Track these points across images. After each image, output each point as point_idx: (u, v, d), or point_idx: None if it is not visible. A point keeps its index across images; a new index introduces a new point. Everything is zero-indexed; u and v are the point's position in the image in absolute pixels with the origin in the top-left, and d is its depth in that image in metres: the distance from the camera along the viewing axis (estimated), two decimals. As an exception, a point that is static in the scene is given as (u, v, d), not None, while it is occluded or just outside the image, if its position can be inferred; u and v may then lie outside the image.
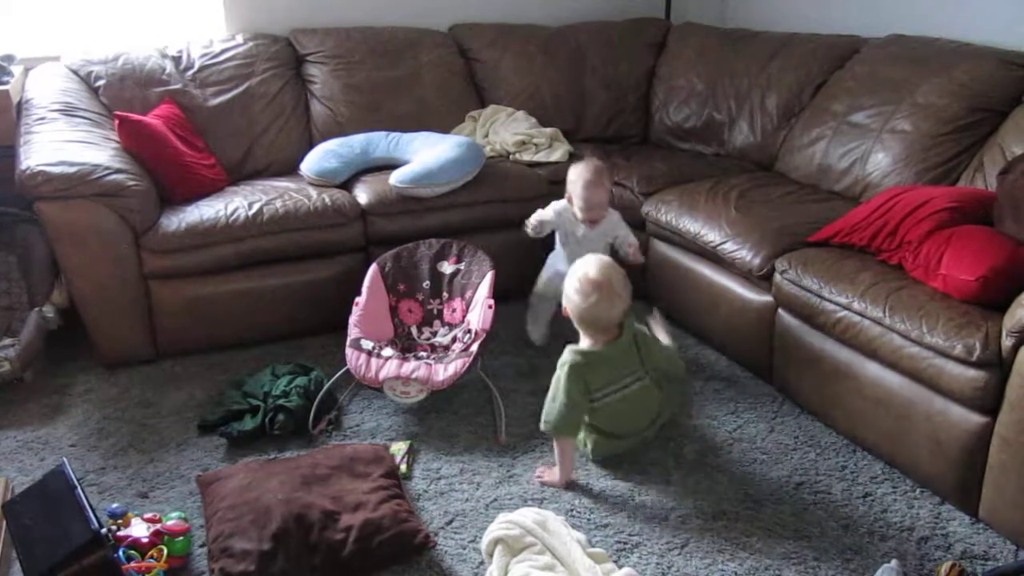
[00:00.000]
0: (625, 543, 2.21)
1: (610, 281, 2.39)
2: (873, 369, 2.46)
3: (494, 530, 2.11)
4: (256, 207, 3.11)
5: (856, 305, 2.48)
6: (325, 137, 3.67)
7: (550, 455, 2.57)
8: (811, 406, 2.76)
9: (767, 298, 2.84)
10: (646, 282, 3.45)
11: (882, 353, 2.40)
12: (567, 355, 2.42)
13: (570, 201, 2.98)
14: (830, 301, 2.56)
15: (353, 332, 2.79)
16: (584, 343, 2.47)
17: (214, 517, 2.19)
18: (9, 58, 3.45)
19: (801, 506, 2.35)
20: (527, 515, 2.15)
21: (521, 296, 3.54)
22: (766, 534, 2.24)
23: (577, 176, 2.93)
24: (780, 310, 2.80)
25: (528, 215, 3.54)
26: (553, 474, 2.45)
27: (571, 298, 2.42)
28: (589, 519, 2.30)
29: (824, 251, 2.76)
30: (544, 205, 3.56)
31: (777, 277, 2.77)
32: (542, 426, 2.42)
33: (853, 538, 2.22)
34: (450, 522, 2.29)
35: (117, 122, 3.11)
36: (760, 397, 2.89)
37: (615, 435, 2.51)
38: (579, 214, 2.95)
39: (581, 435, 2.53)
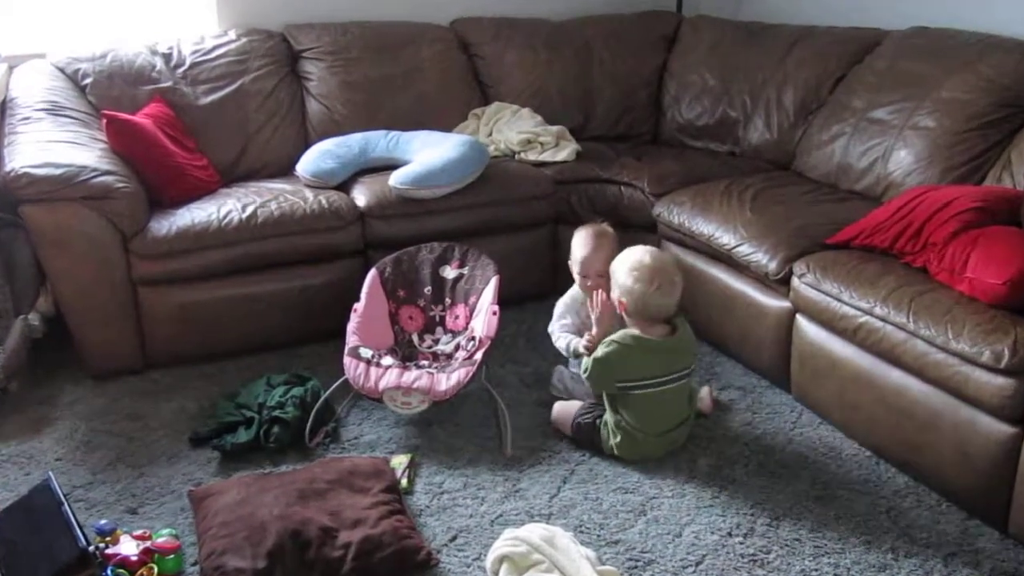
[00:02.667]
0: (637, 560, 2.21)
1: (667, 267, 2.55)
2: (896, 377, 2.45)
3: (499, 547, 2.11)
4: (250, 210, 3.11)
5: (878, 310, 2.47)
6: (322, 136, 3.67)
7: (557, 468, 2.57)
8: (831, 416, 2.75)
9: (785, 303, 2.84)
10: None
11: (906, 360, 2.40)
12: (620, 334, 2.55)
13: (575, 276, 2.86)
14: (851, 306, 2.56)
15: (351, 340, 2.79)
16: (636, 331, 2.56)
17: (207, 534, 2.19)
18: (-7, 56, 3.46)
19: (821, 521, 2.34)
20: (534, 531, 2.15)
21: (527, 301, 3.54)
22: (785, 551, 2.23)
23: (576, 240, 2.86)
24: (798, 315, 2.79)
25: (535, 216, 3.56)
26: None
27: (630, 288, 2.51)
28: (599, 535, 2.29)
29: (844, 254, 2.76)
30: (550, 205, 3.58)
31: (795, 281, 2.77)
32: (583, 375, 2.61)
33: (876, 555, 2.22)
34: (453, 539, 2.28)
35: (105, 122, 3.11)
36: (778, 407, 2.88)
37: (641, 431, 2.54)
38: (579, 284, 2.83)
39: (606, 432, 2.59)
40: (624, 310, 2.57)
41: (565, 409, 2.74)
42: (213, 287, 3.08)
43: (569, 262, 2.88)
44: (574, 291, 2.90)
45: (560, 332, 2.84)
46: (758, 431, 2.75)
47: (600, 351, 2.56)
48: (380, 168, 3.52)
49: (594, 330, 2.67)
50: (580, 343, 2.70)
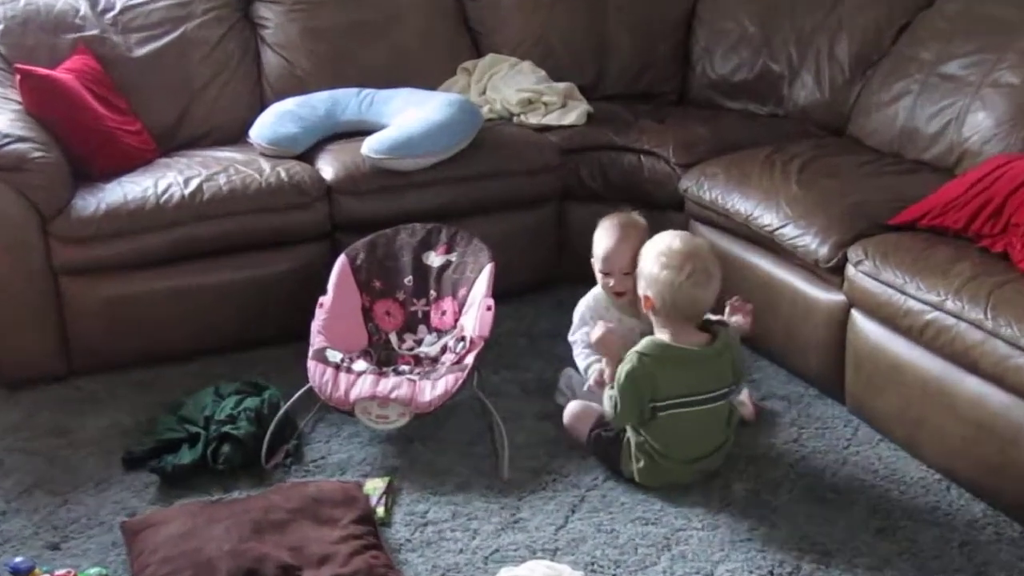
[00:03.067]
0: (660, 605, 2.22)
1: (700, 252, 2.54)
2: (972, 385, 2.45)
3: (495, 589, 2.12)
4: (194, 184, 3.11)
5: (950, 304, 2.48)
6: (280, 95, 3.67)
7: (564, 494, 2.58)
8: (893, 432, 2.76)
9: (838, 296, 2.85)
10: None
11: (983, 365, 2.40)
12: (644, 343, 2.53)
13: (597, 275, 2.82)
14: (917, 299, 2.56)
15: (317, 341, 2.79)
16: (665, 337, 2.54)
17: (143, 573, 2.19)
18: None
19: (882, 558, 2.35)
20: (536, 570, 2.16)
21: (528, 293, 3.54)
22: (837, 593, 2.25)
23: (599, 232, 2.82)
24: (854, 311, 2.80)
25: (537, 192, 3.56)
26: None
27: (658, 277, 2.49)
28: (615, 574, 2.30)
29: (909, 237, 2.76)
30: (555, 178, 3.57)
31: (850, 270, 2.78)
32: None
33: (947, 598, 2.23)
34: (440, 579, 2.30)
35: (18, 77, 3.11)
36: (829, 421, 2.89)
37: (668, 457, 2.53)
38: (602, 285, 2.79)
39: (628, 453, 2.58)
40: (651, 308, 2.56)
41: (584, 412, 2.73)
42: (150, 277, 3.09)
43: (592, 259, 2.85)
44: (597, 292, 2.88)
45: (583, 347, 2.82)
46: (805, 450, 2.76)
47: (622, 368, 2.51)
48: (351, 134, 3.51)
49: (605, 370, 2.62)
50: (595, 372, 2.68)
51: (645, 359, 2.50)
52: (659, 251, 2.54)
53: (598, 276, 2.84)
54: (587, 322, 2.85)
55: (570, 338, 2.89)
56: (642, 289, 2.57)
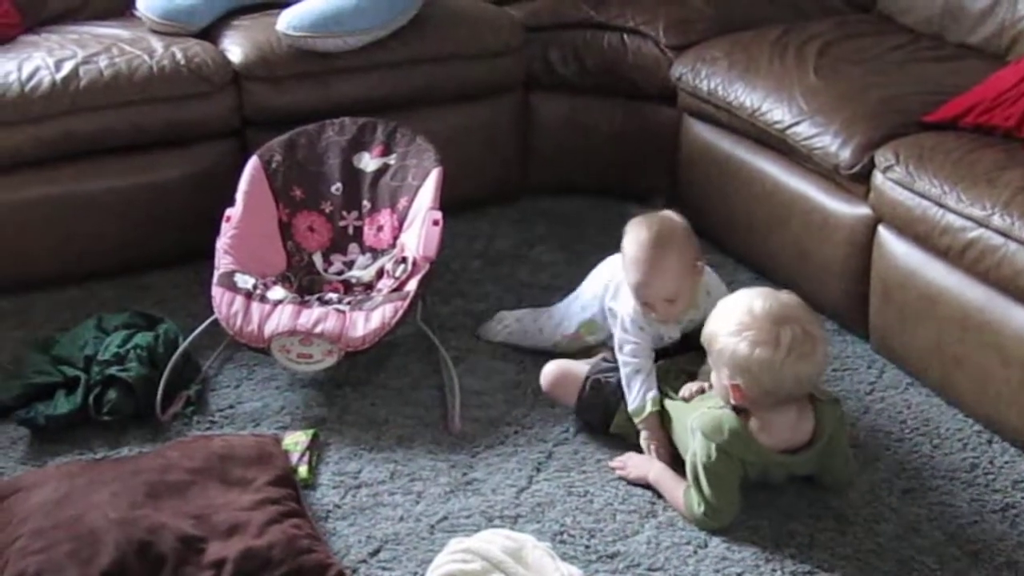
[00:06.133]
0: (643, 582, 2.25)
1: (792, 310, 2.31)
2: (1022, 318, 2.48)
3: (444, 564, 2.13)
4: (68, 68, 3.07)
5: (997, 220, 2.49)
6: (175, -44, 3.62)
7: (527, 450, 2.59)
8: (926, 374, 2.79)
9: (862, 210, 2.87)
10: (677, 183, 3.47)
11: (1036, 293, 2.44)
12: (724, 426, 2.35)
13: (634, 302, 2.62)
14: (958, 214, 2.58)
15: (223, 263, 2.78)
16: (753, 426, 2.36)
17: (12, 548, 2.19)
18: None
19: (909, 525, 2.38)
20: (494, 541, 2.18)
21: (485, 205, 3.53)
22: (855, 566, 2.27)
23: (627, 251, 2.60)
24: (881, 227, 2.82)
25: (495, 79, 3.53)
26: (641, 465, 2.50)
27: (749, 360, 2.24)
28: (588, 545, 2.32)
29: (951, 137, 2.77)
30: (517, 62, 3.55)
31: (878, 177, 2.79)
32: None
33: (986, 571, 2.26)
34: (376, 552, 2.31)
35: None
36: (850, 360, 2.92)
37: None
38: (639, 311, 2.61)
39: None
40: (742, 399, 2.31)
41: (566, 373, 2.72)
42: (15, 184, 3.06)
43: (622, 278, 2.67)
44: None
45: (630, 355, 2.59)
46: (820, 396, 2.79)
47: (697, 461, 2.35)
48: (264, 6, 3.49)
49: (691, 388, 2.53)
50: (652, 397, 2.55)
51: (729, 451, 2.33)
52: (739, 322, 2.27)
53: (631, 298, 2.63)
54: (629, 331, 2.63)
55: (617, 346, 2.64)
56: (726, 378, 2.30)
